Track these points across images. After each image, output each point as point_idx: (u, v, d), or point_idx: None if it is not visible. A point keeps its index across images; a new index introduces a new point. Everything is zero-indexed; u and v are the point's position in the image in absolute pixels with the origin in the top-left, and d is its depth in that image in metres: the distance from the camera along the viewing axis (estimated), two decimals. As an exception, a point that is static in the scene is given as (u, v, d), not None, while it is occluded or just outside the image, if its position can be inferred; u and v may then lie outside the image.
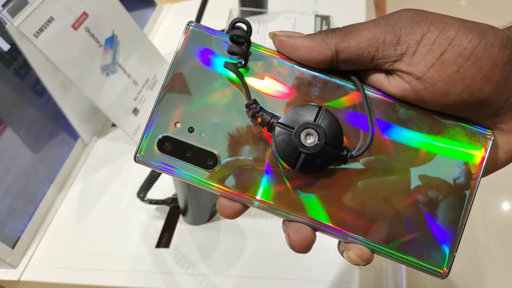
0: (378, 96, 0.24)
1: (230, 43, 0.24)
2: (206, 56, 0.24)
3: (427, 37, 0.22)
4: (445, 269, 0.24)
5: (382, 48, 0.22)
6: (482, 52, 0.22)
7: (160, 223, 0.56)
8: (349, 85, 0.24)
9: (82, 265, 0.54)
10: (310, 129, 0.23)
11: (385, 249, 0.24)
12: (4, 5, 0.53)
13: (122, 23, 0.65)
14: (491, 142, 0.24)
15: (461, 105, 0.23)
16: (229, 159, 0.24)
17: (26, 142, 0.60)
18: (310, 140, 0.23)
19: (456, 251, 0.24)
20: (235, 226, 0.53)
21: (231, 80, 0.24)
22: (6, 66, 0.57)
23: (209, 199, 0.53)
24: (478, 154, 0.24)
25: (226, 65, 0.24)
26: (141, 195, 0.53)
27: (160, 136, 0.24)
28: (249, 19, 0.79)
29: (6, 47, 0.56)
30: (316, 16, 0.75)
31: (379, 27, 0.23)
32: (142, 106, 0.67)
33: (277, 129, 0.23)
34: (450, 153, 0.24)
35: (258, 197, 0.24)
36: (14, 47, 0.57)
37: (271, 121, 0.23)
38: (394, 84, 0.23)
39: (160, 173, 0.49)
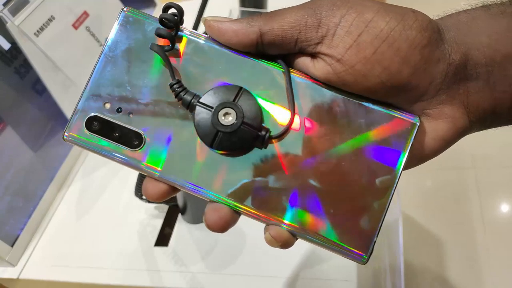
0: (303, 79, 0.24)
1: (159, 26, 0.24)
2: (137, 39, 0.25)
3: (345, 20, 0.22)
4: (366, 252, 0.23)
5: (304, 31, 0.23)
6: (399, 34, 0.22)
7: (159, 222, 0.56)
8: (277, 69, 0.24)
9: (81, 263, 0.54)
10: (228, 108, 0.23)
11: (305, 233, 0.24)
12: (5, 4, 0.53)
13: (122, 23, 0.66)
14: (416, 127, 0.23)
15: (382, 88, 0.22)
16: (155, 139, 0.24)
17: (26, 140, 0.60)
18: (228, 119, 0.23)
19: (376, 237, 0.23)
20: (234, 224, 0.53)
21: (159, 63, 0.24)
22: (7, 65, 0.57)
23: (208, 198, 0.53)
24: (402, 140, 0.23)
25: (152, 47, 0.24)
26: (139, 193, 0.54)
27: (88, 116, 0.24)
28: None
29: (6, 46, 0.56)
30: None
31: (303, 11, 0.23)
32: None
33: (197, 108, 0.23)
34: (373, 138, 0.24)
35: (182, 177, 0.24)
36: (14, 46, 0.57)
37: (192, 100, 0.23)
38: (318, 67, 0.23)
39: None
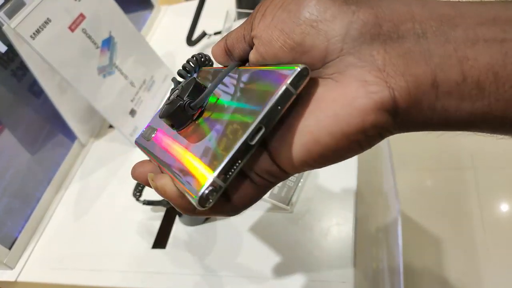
0: (240, 69, 0.27)
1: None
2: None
3: (261, 8, 0.25)
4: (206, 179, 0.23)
5: (247, 30, 0.26)
6: (292, 0, 0.23)
7: (156, 224, 0.56)
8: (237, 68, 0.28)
9: (79, 265, 0.54)
10: (177, 90, 0.29)
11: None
12: (1, 7, 0.53)
13: (119, 25, 0.66)
14: (296, 72, 0.22)
15: (284, 51, 0.23)
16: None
17: (23, 143, 0.60)
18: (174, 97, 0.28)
19: (226, 167, 0.22)
20: (231, 227, 0.53)
21: None
22: (3, 67, 0.57)
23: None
24: (277, 84, 0.22)
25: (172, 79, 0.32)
26: (137, 194, 0.54)
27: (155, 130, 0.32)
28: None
29: (3, 48, 0.56)
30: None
31: (246, 20, 0.27)
32: (139, 107, 0.67)
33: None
34: (256, 89, 0.24)
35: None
36: (11, 49, 0.57)
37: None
38: (252, 53, 0.25)
39: None
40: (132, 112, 0.66)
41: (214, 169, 0.22)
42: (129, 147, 0.67)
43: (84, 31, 0.60)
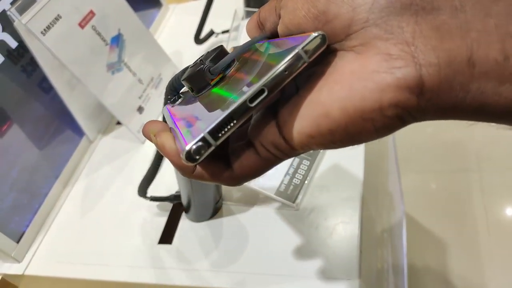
0: (267, 40, 0.27)
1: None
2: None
3: None
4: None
5: (278, 1, 0.25)
6: None
7: (163, 220, 0.56)
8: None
9: (86, 260, 0.54)
10: (202, 58, 0.28)
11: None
12: (12, 3, 0.54)
13: (128, 22, 0.66)
14: (312, 37, 0.21)
15: (307, 21, 0.22)
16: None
17: (31, 138, 0.61)
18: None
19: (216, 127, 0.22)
20: (237, 223, 0.53)
21: None
22: (14, 63, 0.58)
23: (212, 196, 0.53)
24: (292, 48, 0.22)
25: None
26: (142, 191, 0.54)
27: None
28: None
29: (14, 44, 0.57)
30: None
31: None
32: (147, 104, 0.68)
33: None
34: (273, 55, 0.24)
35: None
36: (21, 44, 0.57)
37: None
38: (279, 25, 0.24)
39: (158, 168, 0.50)
40: (140, 109, 0.67)
41: (207, 126, 0.22)
42: (137, 143, 0.68)
43: (93, 28, 0.60)
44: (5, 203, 0.56)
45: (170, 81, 0.31)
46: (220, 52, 0.28)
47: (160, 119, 0.31)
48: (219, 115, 0.22)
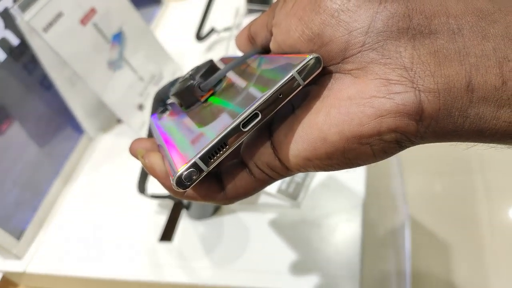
0: (259, 56, 0.26)
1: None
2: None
3: None
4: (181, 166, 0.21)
5: (270, 17, 0.25)
6: None
7: (163, 217, 0.56)
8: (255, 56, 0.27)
9: (86, 257, 0.55)
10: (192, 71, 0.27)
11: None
12: (15, 0, 0.54)
13: (129, 20, 0.66)
14: (307, 59, 0.20)
15: (302, 42, 0.21)
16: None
17: (32, 136, 0.61)
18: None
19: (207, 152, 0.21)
20: (238, 221, 0.54)
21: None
22: (15, 60, 0.57)
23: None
24: (287, 68, 0.21)
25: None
26: (141, 188, 0.54)
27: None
28: (255, 16, 0.79)
29: (16, 41, 0.57)
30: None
31: (271, 6, 0.25)
32: (148, 102, 0.68)
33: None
34: (266, 73, 0.23)
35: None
36: (23, 42, 0.57)
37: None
38: (271, 42, 0.24)
39: None
40: (141, 107, 0.67)
41: (198, 151, 0.21)
42: (137, 141, 0.68)
43: (95, 25, 0.60)
44: (6, 201, 0.56)
45: (157, 92, 0.31)
46: (210, 67, 0.27)
47: None
48: (210, 139, 0.21)
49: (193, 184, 0.21)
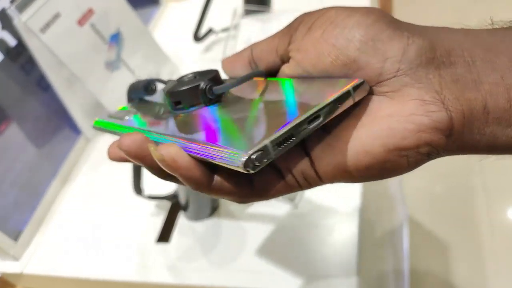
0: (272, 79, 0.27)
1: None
2: None
3: (306, 21, 0.25)
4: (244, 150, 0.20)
5: (282, 43, 0.26)
6: (345, 16, 0.23)
7: (160, 218, 0.56)
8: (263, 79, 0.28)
9: (84, 259, 0.54)
10: (196, 74, 0.28)
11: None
12: (12, 1, 0.54)
13: (127, 20, 0.66)
14: (355, 83, 0.22)
15: (335, 67, 0.23)
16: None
17: (30, 136, 0.61)
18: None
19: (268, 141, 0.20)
20: (236, 222, 0.54)
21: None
22: (13, 61, 0.57)
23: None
24: (332, 90, 0.22)
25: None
26: (137, 188, 0.54)
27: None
28: (253, 17, 0.79)
29: (13, 42, 0.57)
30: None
31: (280, 32, 0.27)
32: (146, 102, 0.68)
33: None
34: (303, 91, 0.24)
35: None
36: (20, 43, 0.57)
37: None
38: (288, 66, 0.26)
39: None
40: (139, 108, 0.67)
41: (269, 134, 0.20)
42: (135, 142, 0.68)
43: (92, 26, 0.60)
44: (3, 201, 0.56)
45: (131, 85, 0.31)
46: (215, 76, 0.27)
47: None
48: (279, 126, 0.20)
49: (259, 168, 0.20)
